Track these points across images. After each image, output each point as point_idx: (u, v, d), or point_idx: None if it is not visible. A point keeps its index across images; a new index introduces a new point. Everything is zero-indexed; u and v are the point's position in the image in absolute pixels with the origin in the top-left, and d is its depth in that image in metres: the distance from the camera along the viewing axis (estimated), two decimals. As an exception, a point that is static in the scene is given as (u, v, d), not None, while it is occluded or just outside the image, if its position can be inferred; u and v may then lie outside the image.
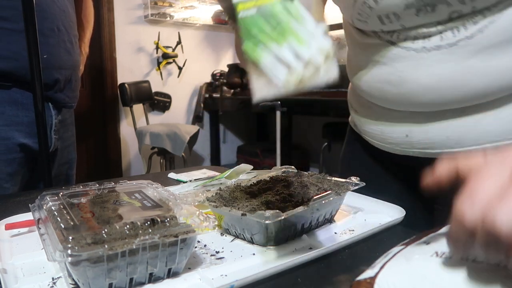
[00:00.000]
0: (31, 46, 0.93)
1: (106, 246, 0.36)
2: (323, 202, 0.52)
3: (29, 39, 0.93)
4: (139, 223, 0.39)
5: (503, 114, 0.51)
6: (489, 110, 0.52)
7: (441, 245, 0.29)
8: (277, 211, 0.47)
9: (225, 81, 3.35)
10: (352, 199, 0.64)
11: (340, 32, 0.72)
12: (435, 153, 0.57)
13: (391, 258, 0.29)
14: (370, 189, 0.61)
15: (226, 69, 3.43)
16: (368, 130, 0.67)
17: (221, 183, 0.71)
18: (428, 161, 0.59)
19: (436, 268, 0.25)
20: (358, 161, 0.75)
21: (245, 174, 0.77)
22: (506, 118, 0.51)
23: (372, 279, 0.28)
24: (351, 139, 0.77)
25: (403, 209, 0.59)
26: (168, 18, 3.30)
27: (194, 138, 2.94)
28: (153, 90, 3.22)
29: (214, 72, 3.53)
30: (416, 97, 0.55)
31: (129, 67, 3.20)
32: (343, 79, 0.56)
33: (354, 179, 0.59)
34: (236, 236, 0.53)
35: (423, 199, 0.65)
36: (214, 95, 3.42)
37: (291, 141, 2.96)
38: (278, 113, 2.57)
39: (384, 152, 0.65)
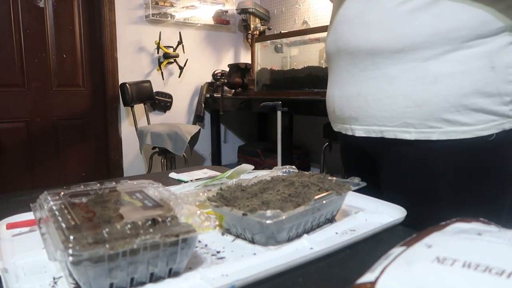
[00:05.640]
0: None
1: (107, 245, 0.36)
2: (324, 202, 0.52)
3: None
4: (140, 223, 0.39)
5: None
6: None
7: (443, 249, 0.29)
8: (278, 211, 0.47)
9: (226, 81, 3.35)
10: (353, 199, 0.64)
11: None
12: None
13: (391, 261, 0.29)
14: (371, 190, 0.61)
15: (227, 69, 3.42)
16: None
17: (222, 183, 0.71)
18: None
19: (436, 276, 0.25)
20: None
21: (246, 174, 0.77)
22: None
23: (372, 284, 0.27)
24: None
25: (404, 209, 0.59)
26: (169, 18, 3.30)
27: (195, 138, 2.94)
28: (154, 90, 3.22)
29: (215, 72, 3.52)
30: None
31: (130, 67, 3.20)
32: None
33: (355, 179, 0.59)
34: (237, 236, 0.53)
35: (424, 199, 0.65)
36: (215, 95, 3.41)
37: (292, 141, 2.95)
38: (279, 113, 2.57)
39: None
